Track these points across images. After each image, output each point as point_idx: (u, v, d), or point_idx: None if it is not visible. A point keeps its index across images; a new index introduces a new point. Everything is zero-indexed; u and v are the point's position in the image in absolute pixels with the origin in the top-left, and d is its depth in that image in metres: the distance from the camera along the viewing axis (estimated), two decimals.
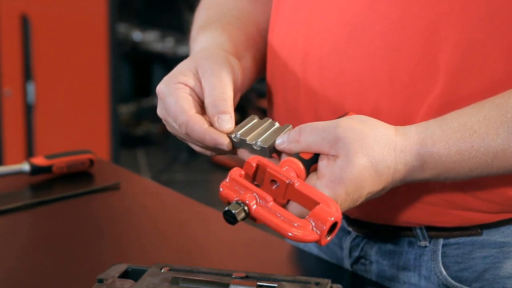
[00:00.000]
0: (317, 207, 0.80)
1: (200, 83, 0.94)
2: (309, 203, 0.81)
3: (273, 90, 1.06)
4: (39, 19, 3.29)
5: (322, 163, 0.85)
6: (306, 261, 1.12)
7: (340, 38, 0.96)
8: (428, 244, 1.01)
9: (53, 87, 3.37)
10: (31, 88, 3.30)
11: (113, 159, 3.53)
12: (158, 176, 4.38)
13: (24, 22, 3.26)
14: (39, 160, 1.32)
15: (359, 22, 0.94)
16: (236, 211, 0.80)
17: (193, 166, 4.67)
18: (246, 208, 0.81)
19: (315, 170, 0.86)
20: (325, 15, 0.98)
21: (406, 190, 0.97)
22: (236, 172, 0.83)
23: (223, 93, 0.93)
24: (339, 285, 0.86)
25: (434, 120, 0.88)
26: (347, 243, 1.09)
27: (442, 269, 1.01)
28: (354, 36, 0.94)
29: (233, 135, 0.90)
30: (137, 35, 4.98)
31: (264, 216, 0.80)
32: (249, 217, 0.81)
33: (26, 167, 1.31)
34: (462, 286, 1.00)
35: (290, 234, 0.79)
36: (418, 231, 1.01)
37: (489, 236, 0.99)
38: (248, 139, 0.90)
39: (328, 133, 0.84)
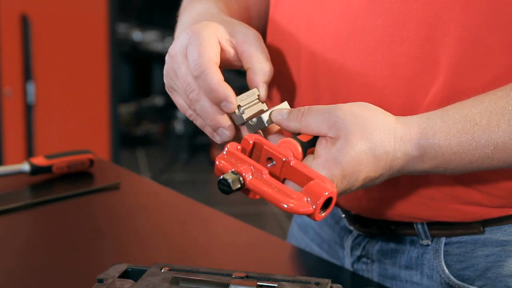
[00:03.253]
0: (312, 182, 0.80)
1: (234, 46, 0.94)
2: (305, 181, 0.81)
3: (273, 84, 1.06)
4: (39, 19, 3.29)
5: (320, 145, 0.85)
6: (306, 261, 1.12)
7: (342, 32, 0.96)
8: (430, 243, 1.01)
9: (53, 87, 3.38)
10: (31, 88, 3.30)
11: (113, 159, 3.53)
12: (158, 176, 4.39)
13: (24, 22, 3.26)
14: (39, 160, 1.32)
15: (361, 16, 0.94)
16: (231, 180, 0.80)
17: (193, 166, 4.67)
18: (241, 178, 0.81)
19: (312, 153, 0.86)
20: (327, 8, 0.98)
21: (407, 184, 0.97)
22: (233, 146, 0.83)
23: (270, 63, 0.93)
24: (339, 285, 0.86)
25: (435, 111, 0.88)
26: (348, 241, 1.09)
27: (445, 267, 1.01)
28: (356, 29, 0.94)
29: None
30: (137, 35, 4.99)
31: (259, 187, 0.80)
32: (244, 189, 0.81)
33: (26, 167, 1.31)
34: (465, 284, 1.00)
35: (284, 205, 0.79)
36: (420, 229, 1.01)
37: (491, 234, 0.99)
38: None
39: (328, 114, 0.85)
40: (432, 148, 0.86)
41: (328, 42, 0.97)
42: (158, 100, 5.14)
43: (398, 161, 0.86)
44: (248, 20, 1.08)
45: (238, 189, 0.81)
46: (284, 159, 0.82)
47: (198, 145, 4.76)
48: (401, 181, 0.96)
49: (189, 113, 0.94)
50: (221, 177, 0.80)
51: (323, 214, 0.80)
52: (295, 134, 0.87)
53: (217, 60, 0.91)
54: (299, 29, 1.00)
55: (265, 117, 0.89)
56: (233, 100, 0.89)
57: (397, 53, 0.92)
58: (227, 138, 0.91)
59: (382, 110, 0.87)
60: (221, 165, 0.82)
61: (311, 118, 0.85)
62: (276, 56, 1.04)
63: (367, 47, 0.94)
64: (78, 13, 3.41)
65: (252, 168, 0.81)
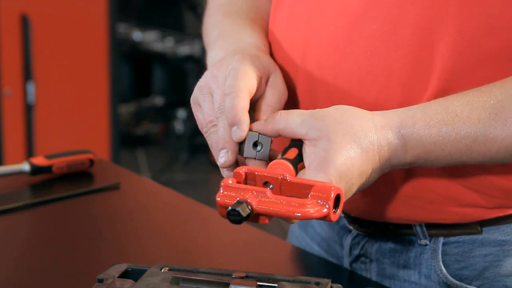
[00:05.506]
0: (315, 186, 0.80)
1: (264, 87, 0.95)
2: (307, 191, 0.81)
3: None
4: (39, 19, 3.29)
5: (305, 153, 0.86)
6: (306, 261, 1.12)
7: (339, 37, 0.96)
8: (428, 243, 1.02)
9: (53, 87, 3.38)
10: (31, 88, 3.30)
11: (113, 159, 3.53)
12: (158, 176, 4.39)
13: (24, 22, 3.26)
14: (39, 160, 1.32)
15: (358, 22, 0.95)
16: (240, 208, 0.80)
17: (193, 166, 4.67)
18: (248, 205, 0.80)
19: (302, 169, 0.86)
20: (324, 14, 0.98)
21: (404, 187, 0.97)
22: (226, 180, 0.83)
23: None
24: (339, 285, 0.86)
25: (417, 105, 0.89)
26: (347, 241, 1.09)
27: (442, 267, 1.01)
28: (352, 35, 0.95)
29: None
30: (137, 35, 4.99)
31: (268, 207, 0.80)
32: (253, 215, 0.81)
33: (26, 167, 1.31)
34: (462, 284, 1.00)
35: (299, 214, 0.79)
36: (418, 229, 1.01)
37: (489, 234, 0.99)
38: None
39: (305, 116, 0.86)
40: (412, 138, 0.87)
41: (325, 47, 0.97)
42: (158, 100, 5.14)
43: (383, 150, 0.86)
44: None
45: (248, 216, 0.80)
46: (280, 177, 0.83)
47: (198, 145, 4.76)
48: (398, 185, 0.97)
49: (205, 129, 0.95)
50: (229, 208, 0.80)
51: (337, 213, 0.80)
52: (282, 155, 0.88)
53: (252, 91, 0.92)
54: (297, 34, 1.01)
55: (264, 137, 0.90)
56: (245, 128, 0.89)
57: (393, 58, 0.93)
58: (224, 162, 0.91)
59: (357, 108, 0.88)
60: (223, 201, 0.82)
61: (290, 119, 0.87)
62: (274, 61, 1.04)
63: (363, 52, 0.94)
64: (78, 13, 3.41)
65: (255, 193, 0.81)
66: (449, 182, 0.96)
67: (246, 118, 0.90)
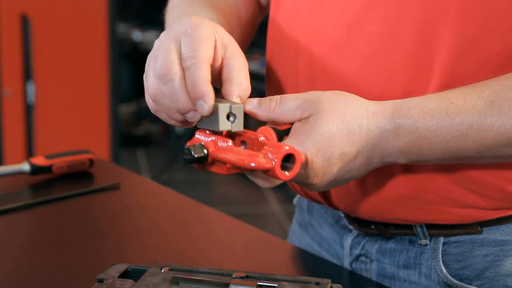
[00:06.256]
0: (271, 143, 0.82)
1: (222, 55, 0.92)
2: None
3: (271, 88, 1.06)
4: (39, 19, 3.29)
5: (294, 126, 0.87)
6: (306, 261, 1.12)
7: (339, 37, 0.96)
8: (428, 243, 1.02)
9: (53, 87, 3.38)
10: (31, 88, 3.30)
11: (113, 159, 3.53)
12: (158, 176, 4.39)
13: (24, 22, 3.26)
14: (39, 160, 1.32)
15: (358, 22, 0.95)
16: (193, 148, 0.83)
17: (193, 166, 4.67)
18: (205, 149, 0.83)
19: None
20: (324, 14, 0.98)
21: (404, 188, 0.97)
22: (200, 131, 0.87)
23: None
24: (339, 285, 0.86)
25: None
26: (348, 241, 1.09)
27: (443, 267, 1.01)
28: (353, 35, 0.95)
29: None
30: (137, 35, 4.99)
31: (221, 153, 0.83)
32: (208, 159, 0.84)
33: (26, 167, 1.31)
34: (463, 284, 1.00)
35: (252, 164, 0.81)
36: (418, 229, 1.01)
37: (489, 234, 0.99)
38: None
39: (302, 101, 0.87)
40: (405, 122, 0.87)
41: (325, 47, 0.97)
42: None
43: (372, 135, 0.86)
44: (239, 28, 1.10)
45: (201, 158, 0.83)
46: (253, 137, 0.84)
47: None
48: (397, 185, 0.97)
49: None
50: (185, 146, 0.83)
51: (287, 174, 0.82)
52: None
53: (211, 58, 0.88)
54: (297, 34, 1.01)
55: (235, 107, 0.88)
56: (211, 101, 0.85)
57: (394, 59, 0.93)
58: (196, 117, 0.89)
59: (354, 95, 0.89)
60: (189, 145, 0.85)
61: (285, 107, 0.87)
62: (275, 61, 1.05)
63: (363, 53, 0.94)
64: (78, 13, 3.41)
65: (217, 140, 0.84)
66: (448, 183, 0.96)
67: (210, 89, 0.85)
